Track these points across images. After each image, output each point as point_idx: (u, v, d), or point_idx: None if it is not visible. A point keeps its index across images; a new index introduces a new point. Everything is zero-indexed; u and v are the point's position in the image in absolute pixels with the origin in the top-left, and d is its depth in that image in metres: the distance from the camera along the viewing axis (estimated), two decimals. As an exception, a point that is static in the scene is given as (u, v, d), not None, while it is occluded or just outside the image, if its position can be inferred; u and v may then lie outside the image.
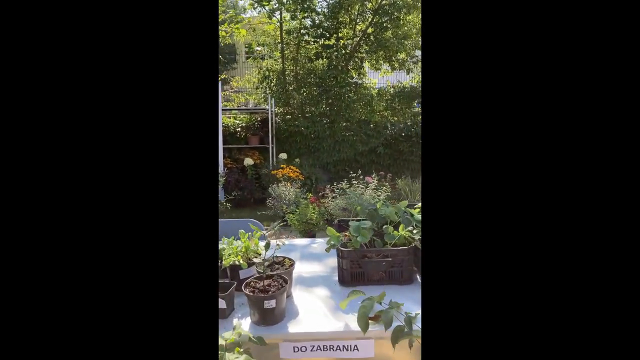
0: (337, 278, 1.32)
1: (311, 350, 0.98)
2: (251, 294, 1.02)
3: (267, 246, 1.12)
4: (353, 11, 6.26)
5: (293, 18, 6.17)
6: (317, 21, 6.24)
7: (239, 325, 0.91)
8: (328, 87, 6.05)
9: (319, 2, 6.26)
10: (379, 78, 7.47)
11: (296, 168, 5.09)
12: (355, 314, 0.97)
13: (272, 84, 6.39)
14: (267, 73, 6.44)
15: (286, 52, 6.36)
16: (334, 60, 6.13)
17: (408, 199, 4.25)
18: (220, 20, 5.90)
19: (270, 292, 1.02)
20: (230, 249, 1.24)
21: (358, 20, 6.40)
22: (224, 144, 5.50)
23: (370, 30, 6.24)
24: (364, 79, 6.71)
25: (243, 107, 7.28)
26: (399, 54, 6.53)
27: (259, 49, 6.95)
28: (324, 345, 0.98)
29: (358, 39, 6.32)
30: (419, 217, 1.36)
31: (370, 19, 6.23)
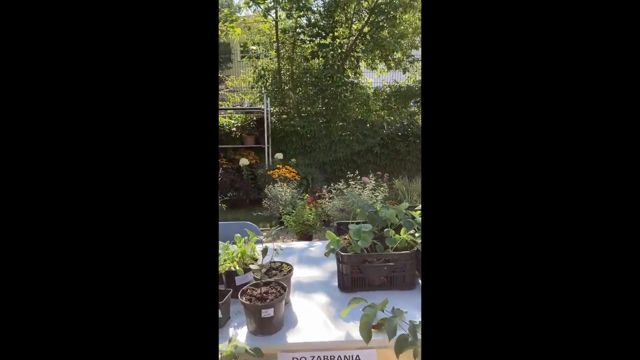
0: (336, 283, 1.28)
1: (311, 361, 0.94)
2: (248, 302, 0.97)
3: (265, 252, 1.08)
4: (349, 10, 6.23)
5: (289, 17, 6.12)
6: (313, 20, 6.20)
7: (234, 336, 0.87)
8: (324, 86, 6.01)
9: (314, 0, 6.23)
10: (375, 77, 7.45)
11: (292, 168, 5.04)
12: (357, 321, 0.93)
13: (268, 84, 6.32)
14: (262, 72, 6.37)
15: (282, 51, 6.30)
16: (330, 59, 6.09)
17: (406, 199, 4.23)
18: (215, 18, 5.82)
19: (267, 301, 0.98)
20: (225, 255, 1.19)
21: (354, 19, 6.37)
22: (219, 144, 5.44)
23: (366, 29, 6.20)
24: (360, 79, 6.67)
25: (238, 106, 7.22)
26: (395, 53, 6.50)
27: (254, 48, 6.88)
28: (324, 356, 0.94)
29: (354, 38, 6.29)
30: (421, 219, 1.32)
31: (366, 18, 6.19)
